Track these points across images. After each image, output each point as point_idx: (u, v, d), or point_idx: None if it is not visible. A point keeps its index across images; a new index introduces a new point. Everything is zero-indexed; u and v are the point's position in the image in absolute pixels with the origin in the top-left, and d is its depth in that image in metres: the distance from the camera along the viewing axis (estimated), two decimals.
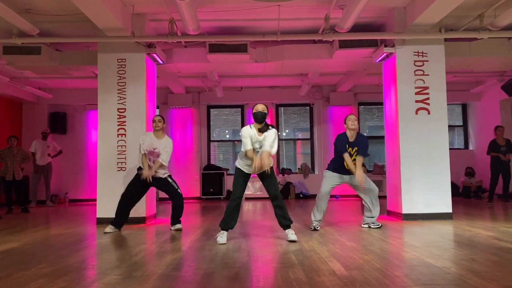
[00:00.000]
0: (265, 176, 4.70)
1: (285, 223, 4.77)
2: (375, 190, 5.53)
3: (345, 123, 5.52)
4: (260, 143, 4.65)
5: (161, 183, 5.78)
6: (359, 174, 5.28)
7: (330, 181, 5.54)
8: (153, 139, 5.69)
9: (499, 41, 7.45)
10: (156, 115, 5.88)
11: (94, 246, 4.68)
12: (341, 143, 5.44)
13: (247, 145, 4.60)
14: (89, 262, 3.84)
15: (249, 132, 4.65)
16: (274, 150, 4.62)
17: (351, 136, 5.44)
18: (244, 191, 4.84)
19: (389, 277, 3.06)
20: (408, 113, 6.53)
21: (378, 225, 5.62)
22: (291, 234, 4.70)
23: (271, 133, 4.65)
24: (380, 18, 6.98)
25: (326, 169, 5.69)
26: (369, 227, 5.63)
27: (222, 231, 4.76)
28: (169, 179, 5.80)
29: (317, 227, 5.52)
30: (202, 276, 3.18)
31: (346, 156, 5.36)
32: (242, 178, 4.79)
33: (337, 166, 5.53)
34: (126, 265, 3.60)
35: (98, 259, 3.96)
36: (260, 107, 4.69)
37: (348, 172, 5.43)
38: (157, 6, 6.25)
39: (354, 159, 5.38)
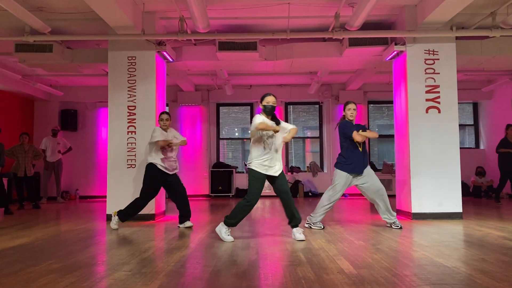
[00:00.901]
0: (278, 177, 4.67)
1: (295, 222, 4.74)
2: (382, 189, 5.43)
3: (344, 111, 5.48)
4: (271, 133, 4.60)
5: (172, 179, 5.83)
6: (367, 134, 5.43)
7: (344, 183, 5.43)
8: (163, 133, 5.78)
9: (510, 40, 7.34)
10: (163, 113, 5.90)
11: (104, 242, 4.72)
12: (350, 127, 5.37)
13: (259, 121, 4.48)
14: (98, 258, 3.88)
15: (262, 117, 4.61)
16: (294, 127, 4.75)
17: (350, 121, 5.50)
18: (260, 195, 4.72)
19: (398, 276, 3.05)
20: (418, 111, 6.49)
21: (399, 225, 5.43)
22: (299, 233, 4.67)
23: (285, 124, 4.78)
24: (391, 16, 6.93)
25: (337, 167, 5.54)
26: (391, 227, 5.51)
27: (229, 228, 4.73)
28: (176, 176, 5.91)
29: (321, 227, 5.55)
30: (211, 273, 3.19)
31: (355, 134, 5.29)
32: (260, 181, 4.64)
33: (349, 162, 5.40)
34: (135, 261, 3.63)
35: (108, 255, 4.00)
36: (271, 100, 4.65)
37: (362, 166, 5.40)
38: (167, 4, 6.27)
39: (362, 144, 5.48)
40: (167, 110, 5.92)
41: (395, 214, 5.53)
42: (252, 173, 4.65)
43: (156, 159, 5.69)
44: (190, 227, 5.75)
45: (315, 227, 5.50)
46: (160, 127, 5.84)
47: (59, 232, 5.48)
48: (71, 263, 3.58)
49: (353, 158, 5.40)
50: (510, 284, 2.79)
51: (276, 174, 4.64)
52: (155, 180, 5.70)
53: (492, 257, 3.63)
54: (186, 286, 2.86)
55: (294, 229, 4.74)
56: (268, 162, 4.59)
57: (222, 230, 4.70)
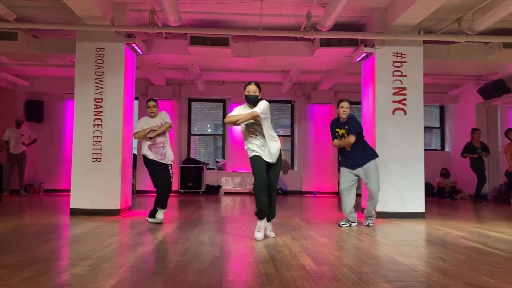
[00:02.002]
0: (272, 164, 4.53)
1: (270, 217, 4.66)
2: (373, 192, 5.47)
3: (337, 109, 5.52)
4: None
5: (164, 167, 5.69)
6: (341, 142, 5.45)
7: (345, 177, 5.53)
8: (148, 121, 5.67)
9: (476, 45, 7.59)
10: (149, 100, 5.77)
11: (66, 237, 4.62)
12: (331, 129, 5.58)
13: (227, 116, 4.57)
14: (58, 252, 3.79)
15: (239, 110, 4.57)
16: (259, 111, 4.38)
17: (342, 120, 5.51)
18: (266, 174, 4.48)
19: (357, 273, 3.11)
20: (385, 112, 6.62)
21: (367, 223, 5.64)
22: (269, 230, 4.64)
23: (262, 102, 4.47)
24: (362, 18, 7.04)
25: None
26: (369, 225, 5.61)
27: (258, 222, 4.54)
28: (170, 168, 5.75)
29: (345, 224, 5.56)
30: (172, 269, 3.17)
31: (334, 142, 5.52)
32: (256, 160, 4.48)
33: (343, 159, 5.62)
34: (96, 256, 3.56)
35: (69, 250, 3.92)
36: (251, 90, 4.48)
37: (354, 164, 5.45)
38: None
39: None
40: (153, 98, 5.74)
41: (368, 214, 5.68)
42: (250, 159, 4.57)
43: (145, 149, 5.62)
44: (159, 223, 5.60)
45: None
46: (149, 115, 5.73)
47: (19, 225, 5.32)
48: (29, 257, 3.48)
49: (345, 155, 5.58)
50: (463, 282, 2.89)
51: (267, 159, 4.48)
52: (150, 169, 5.65)
53: (449, 256, 3.75)
54: (145, 282, 2.84)
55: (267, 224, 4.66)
56: (258, 148, 4.50)
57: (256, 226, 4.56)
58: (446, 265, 3.38)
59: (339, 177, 5.75)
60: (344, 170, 5.58)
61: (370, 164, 5.45)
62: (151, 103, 5.71)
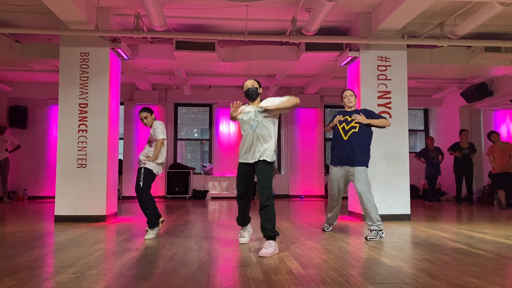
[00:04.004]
0: (257, 169, 4.15)
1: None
2: (361, 195, 4.93)
3: (342, 100, 5.18)
4: (255, 114, 4.16)
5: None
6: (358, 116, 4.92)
7: (334, 177, 5.07)
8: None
9: (458, 49, 7.72)
10: (140, 111, 5.27)
11: (51, 244, 4.54)
12: (333, 118, 5.15)
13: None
14: (43, 260, 3.73)
15: (245, 108, 4.29)
16: (277, 102, 4.04)
17: (349, 108, 5.09)
18: (247, 186, 4.27)
19: (344, 276, 3.12)
20: None
21: (375, 237, 4.77)
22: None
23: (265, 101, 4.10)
24: (346, 23, 7.10)
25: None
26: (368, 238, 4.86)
27: (241, 229, 4.58)
28: (142, 170, 5.09)
29: (325, 228, 5.45)
30: (158, 275, 3.14)
31: (327, 126, 5.16)
32: (242, 173, 4.24)
33: (334, 153, 5.08)
34: (81, 263, 3.52)
35: (53, 257, 3.85)
36: (249, 83, 4.25)
37: (347, 161, 4.92)
38: (122, 1, 6.14)
39: (353, 127, 4.94)
40: (146, 107, 5.33)
41: (378, 222, 4.87)
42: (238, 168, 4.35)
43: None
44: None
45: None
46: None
47: (2, 233, 5.22)
48: (12, 266, 3.42)
49: (336, 148, 5.06)
50: (448, 283, 2.92)
51: (246, 161, 4.17)
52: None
53: (434, 257, 3.79)
54: None
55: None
56: (244, 150, 4.20)
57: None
58: (432, 267, 3.41)
59: (325, 180, 5.71)
60: (331, 168, 5.13)
61: (360, 169, 4.92)
62: (141, 115, 5.24)
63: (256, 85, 4.29)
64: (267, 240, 3.99)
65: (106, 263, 3.57)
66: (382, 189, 6.58)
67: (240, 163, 4.27)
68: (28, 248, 4.21)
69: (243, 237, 4.59)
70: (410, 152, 6.91)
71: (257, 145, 4.11)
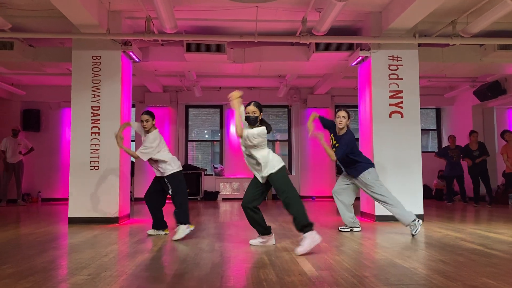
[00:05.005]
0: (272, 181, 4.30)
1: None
2: (383, 197, 5.26)
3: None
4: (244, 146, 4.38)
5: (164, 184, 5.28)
6: (329, 151, 5.14)
7: (338, 180, 5.61)
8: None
9: (471, 48, 7.63)
10: (143, 113, 5.23)
11: (65, 246, 4.60)
12: (330, 130, 5.44)
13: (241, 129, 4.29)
14: (57, 262, 3.77)
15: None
16: (245, 134, 4.22)
17: (339, 131, 5.30)
18: (254, 196, 4.39)
19: (358, 277, 3.10)
20: (382, 116, 6.63)
21: (416, 229, 5.09)
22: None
23: (256, 129, 4.25)
24: (357, 22, 7.07)
25: None
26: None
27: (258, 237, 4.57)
28: (166, 180, 5.24)
29: (344, 228, 5.52)
30: (172, 277, 3.16)
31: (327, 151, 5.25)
32: (253, 183, 4.44)
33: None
34: (95, 265, 3.55)
35: (67, 259, 3.89)
36: (250, 110, 4.28)
37: (349, 174, 5.38)
38: (133, 4, 6.18)
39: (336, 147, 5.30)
40: (148, 110, 5.34)
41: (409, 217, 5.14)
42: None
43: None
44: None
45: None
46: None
47: (17, 235, 5.29)
48: (27, 267, 3.46)
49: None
50: (463, 284, 2.89)
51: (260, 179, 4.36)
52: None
53: (448, 258, 3.75)
54: None
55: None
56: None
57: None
58: (446, 267, 3.38)
59: (337, 180, 5.75)
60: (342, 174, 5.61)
61: (363, 176, 5.25)
62: (143, 117, 5.17)
63: (257, 114, 4.33)
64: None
65: (120, 264, 3.60)
66: (394, 189, 6.47)
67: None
68: (43, 250, 4.26)
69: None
70: (422, 152, 6.84)
71: (255, 169, 4.37)
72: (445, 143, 12.12)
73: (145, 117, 5.19)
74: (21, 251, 4.22)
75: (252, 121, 4.31)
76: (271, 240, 4.55)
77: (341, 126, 5.24)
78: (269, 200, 11.17)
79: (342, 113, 5.25)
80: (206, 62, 7.77)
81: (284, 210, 4.30)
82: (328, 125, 5.48)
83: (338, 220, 6.52)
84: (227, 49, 7.31)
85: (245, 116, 4.36)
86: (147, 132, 5.20)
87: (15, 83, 10.46)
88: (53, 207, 9.58)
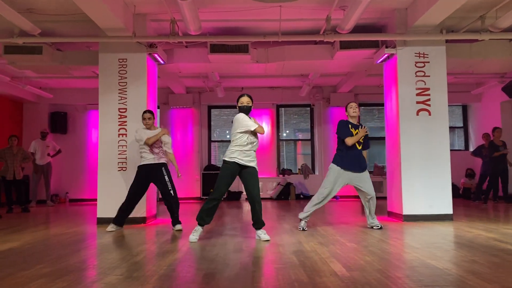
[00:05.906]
0: (248, 173, 4.90)
1: (260, 224, 4.93)
2: (374, 197, 5.59)
3: (346, 111, 5.63)
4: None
5: (158, 179, 5.82)
6: (357, 136, 5.46)
7: (336, 179, 5.51)
8: (147, 133, 5.81)
9: (500, 43, 7.44)
10: (145, 111, 5.92)
11: (95, 246, 4.68)
12: (342, 128, 5.52)
13: (253, 125, 4.79)
14: (89, 262, 3.84)
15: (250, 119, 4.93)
16: (262, 129, 4.92)
17: (354, 120, 5.60)
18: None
19: (390, 278, 3.06)
20: (409, 114, 6.53)
21: (379, 226, 5.62)
22: (263, 234, 4.87)
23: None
24: (382, 19, 6.97)
25: (332, 162, 5.62)
26: (372, 227, 5.65)
27: (197, 227, 4.90)
28: (164, 171, 5.81)
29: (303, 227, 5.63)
30: (203, 277, 3.18)
31: (348, 140, 5.43)
32: (230, 174, 4.93)
33: (349, 159, 5.50)
34: (127, 265, 3.60)
35: (99, 259, 3.96)
36: (245, 101, 4.90)
37: (359, 168, 5.49)
38: (158, 6, 6.25)
39: (361, 143, 5.55)
40: (150, 109, 5.83)
41: (375, 217, 5.72)
42: (224, 167, 5.11)
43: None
44: (179, 230, 5.72)
45: (300, 226, 5.59)
46: (145, 126, 5.89)
47: (48, 235, 5.41)
48: (62, 267, 3.54)
49: (350, 155, 5.51)
50: (501, 286, 2.81)
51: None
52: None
53: (482, 259, 3.66)
54: None
55: (259, 231, 4.94)
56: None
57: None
58: (481, 269, 3.30)
59: None
60: (336, 169, 5.51)
61: (367, 172, 5.63)
62: (146, 115, 5.85)
63: (250, 104, 4.96)
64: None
65: (151, 264, 3.64)
66: (422, 189, 6.43)
67: None
68: (75, 250, 4.35)
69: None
70: (450, 150, 6.71)
71: (254, 159, 5.04)
72: (472, 141, 11.88)
73: (148, 115, 5.84)
74: (54, 251, 4.31)
75: (245, 111, 4.90)
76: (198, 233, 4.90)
77: (355, 115, 5.58)
78: (292, 200, 11.14)
79: (354, 104, 5.63)
80: (230, 62, 7.80)
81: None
82: (348, 129, 5.59)
83: (363, 220, 6.46)
84: (251, 49, 7.32)
85: (239, 106, 4.92)
86: (148, 129, 5.84)
87: (43, 87, 10.72)
88: (80, 207, 9.77)
